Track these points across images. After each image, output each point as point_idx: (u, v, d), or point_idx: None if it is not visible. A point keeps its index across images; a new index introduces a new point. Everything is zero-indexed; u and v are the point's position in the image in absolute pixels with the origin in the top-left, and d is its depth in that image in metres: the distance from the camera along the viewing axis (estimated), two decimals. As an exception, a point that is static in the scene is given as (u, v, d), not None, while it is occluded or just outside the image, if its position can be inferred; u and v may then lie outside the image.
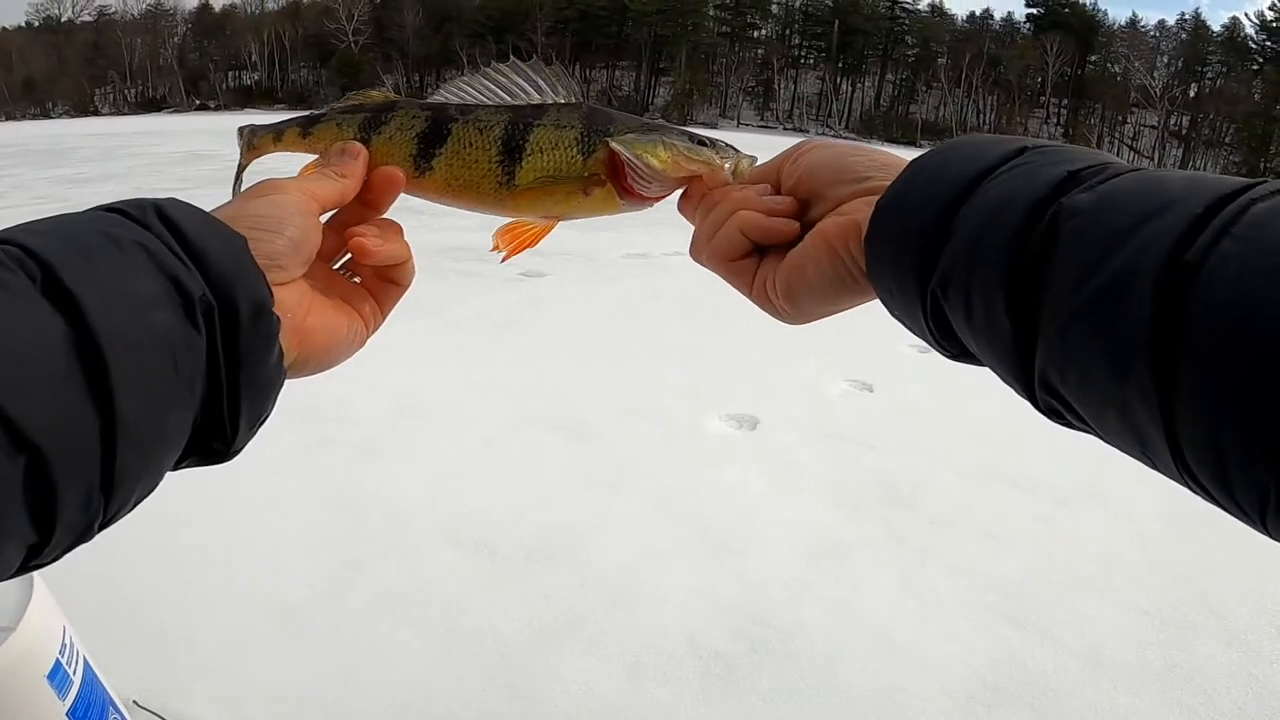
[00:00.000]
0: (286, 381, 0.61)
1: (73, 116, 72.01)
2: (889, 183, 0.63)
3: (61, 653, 1.68)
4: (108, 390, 0.44)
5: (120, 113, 78.28)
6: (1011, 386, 0.55)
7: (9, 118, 69.92)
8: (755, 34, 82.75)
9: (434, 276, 7.63)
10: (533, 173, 0.75)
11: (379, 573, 3.13)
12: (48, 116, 74.21)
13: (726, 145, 0.77)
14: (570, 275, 8.10)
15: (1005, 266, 0.50)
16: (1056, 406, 0.51)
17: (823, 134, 69.53)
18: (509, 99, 0.79)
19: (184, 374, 0.49)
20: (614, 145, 0.74)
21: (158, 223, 0.52)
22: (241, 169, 0.83)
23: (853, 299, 0.67)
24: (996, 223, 0.52)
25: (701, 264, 0.76)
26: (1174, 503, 3.69)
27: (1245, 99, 65.87)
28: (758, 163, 0.78)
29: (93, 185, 15.05)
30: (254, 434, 0.58)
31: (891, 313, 0.64)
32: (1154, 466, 0.47)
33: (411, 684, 2.59)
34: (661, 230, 10.18)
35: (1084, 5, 74.74)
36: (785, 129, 71.07)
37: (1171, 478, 0.46)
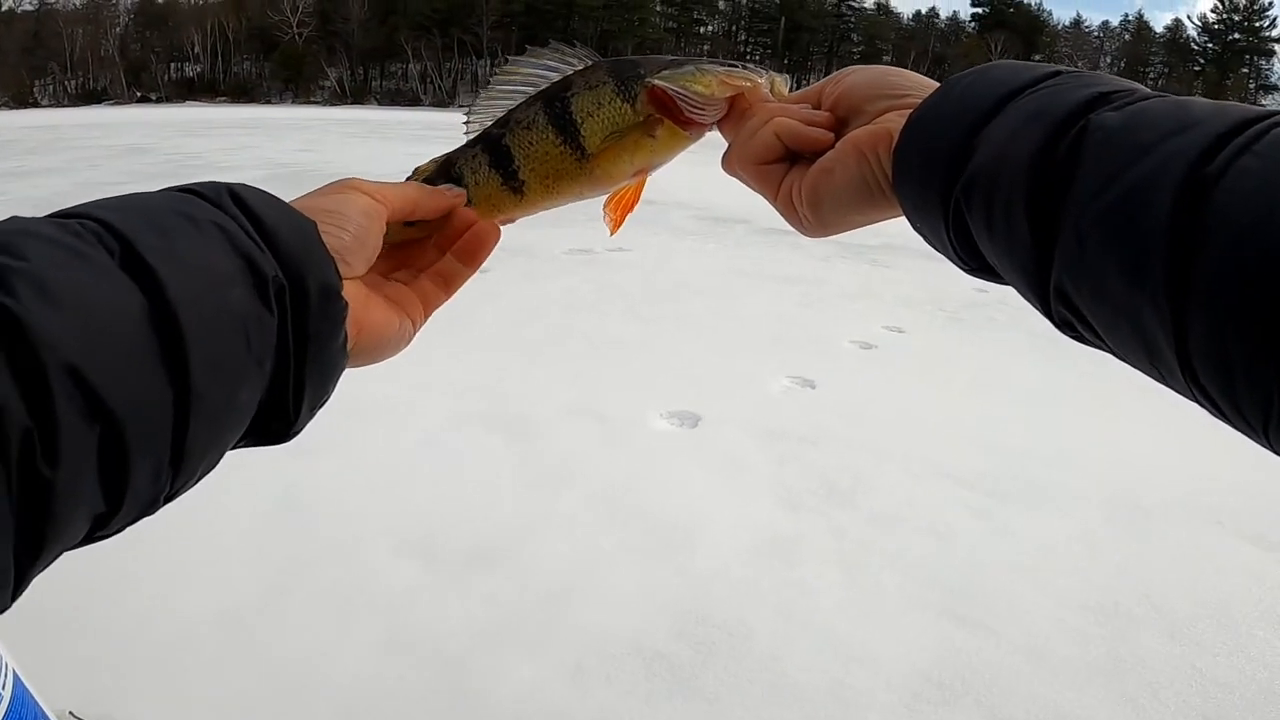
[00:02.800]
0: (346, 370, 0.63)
1: (11, 108, 70.65)
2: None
3: None
4: (184, 364, 0.45)
5: (60, 105, 77.05)
6: (1027, 298, 0.56)
7: (-53, 109, 68.54)
8: (702, 30, 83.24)
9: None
10: (597, 135, 0.77)
11: (320, 577, 3.08)
12: (-14, 108, 72.80)
13: (755, 66, 0.79)
14: (512, 272, 8.01)
15: (1028, 175, 0.51)
16: (1070, 318, 0.52)
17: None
18: (533, 91, 0.80)
19: (255, 351, 0.50)
20: (658, 83, 0.76)
21: (231, 205, 0.54)
22: None
23: (876, 212, 0.68)
24: (1023, 135, 0.53)
25: (732, 174, 0.77)
26: (1115, 499, 3.74)
27: (1185, 99, 67.19)
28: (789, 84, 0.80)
29: (33, 178, 14.78)
30: (313, 416, 0.60)
31: (914, 227, 0.66)
32: (1161, 379, 0.48)
33: (355, 689, 2.55)
34: (604, 227, 10.18)
35: (1028, 5, 76.04)
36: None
37: (1178, 390, 0.47)
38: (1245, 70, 79.39)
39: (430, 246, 0.77)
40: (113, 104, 75.01)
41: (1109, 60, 76.20)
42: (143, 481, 0.45)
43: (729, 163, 0.76)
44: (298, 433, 0.59)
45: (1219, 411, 0.44)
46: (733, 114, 0.77)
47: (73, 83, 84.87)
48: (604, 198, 0.83)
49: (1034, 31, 74.62)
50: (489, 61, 79.27)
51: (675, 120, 0.76)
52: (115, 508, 0.44)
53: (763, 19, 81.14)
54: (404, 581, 3.07)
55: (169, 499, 0.49)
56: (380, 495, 3.70)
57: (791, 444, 4.35)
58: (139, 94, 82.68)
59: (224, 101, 74.45)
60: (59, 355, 0.39)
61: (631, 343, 5.97)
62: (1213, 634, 2.92)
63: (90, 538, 0.46)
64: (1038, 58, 74.80)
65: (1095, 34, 79.51)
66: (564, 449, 4.24)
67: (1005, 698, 2.60)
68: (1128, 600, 3.08)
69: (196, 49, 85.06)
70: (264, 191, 0.58)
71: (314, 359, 0.55)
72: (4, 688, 1.63)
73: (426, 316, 0.76)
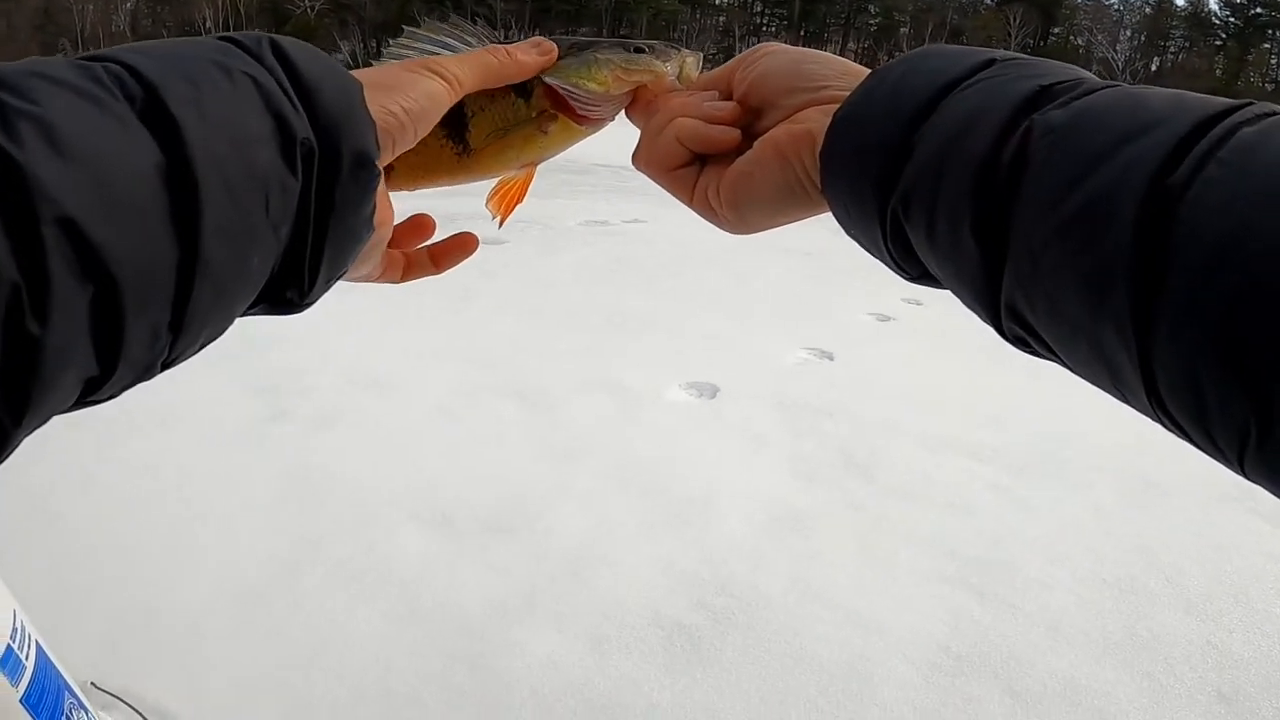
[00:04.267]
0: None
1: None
2: (846, 92, 0.60)
3: (12, 638, 1.63)
4: (195, 226, 0.43)
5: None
6: (975, 312, 0.53)
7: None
8: (717, 1, 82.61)
9: (392, 244, 7.53)
10: (483, 131, 0.72)
11: (336, 549, 3.09)
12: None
13: (667, 46, 0.74)
14: (528, 243, 8.04)
15: (972, 184, 0.48)
16: (1023, 335, 0.49)
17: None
18: None
19: (273, 217, 0.48)
20: (548, 80, 0.72)
21: (271, 56, 0.51)
22: None
23: (802, 211, 0.65)
24: (963, 137, 0.49)
25: (641, 171, 0.73)
26: (1131, 472, 3.73)
27: (1207, 74, 66.75)
28: (701, 63, 0.75)
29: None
30: (329, 287, 0.57)
31: (847, 231, 0.62)
32: (1124, 400, 0.45)
33: (372, 661, 2.56)
34: (620, 198, 10.16)
35: (1048, -24, 75.20)
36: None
37: (1143, 412, 0.43)
38: (1267, 45, 78.76)
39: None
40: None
41: (1129, 34, 75.64)
42: (139, 346, 0.43)
43: (636, 161, 0.73)
44: (312, 303, 0.57)
45: (1186, 436, 0.42)
46: (638, 103, 0.74)
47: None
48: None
49: (1053, 5, 73.93)
50: (503, 33, 78.84)
51: (570, 116, 0.73)
52: (109, 371, 0.42)
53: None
54: (420, 554, 3.08)
55: (168, 365, 0.47)
56: (395, 467, 3.70)
57: (809, 416, 4.35)
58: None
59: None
60: (58, 208, 0.37)
61: (648, 314, 5.97)
62: (1229, 609, 2.93)
63: (82, 401, 0.44)
64: (1057, 31, 74.35)
65: (1115, 7, 78.88)
66: (581, 420, 4.25)
67: (1022, 671, 2.60)
68: (1144, 575, 3.08)
69: (208, 23, 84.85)
70: (311, 47, 0.55)
71: (337, 225, 0.53)
72: (27, 658, 1.66)
73: (402, 280, 0.74)
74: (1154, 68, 72.26)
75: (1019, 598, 2.93)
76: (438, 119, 0.64)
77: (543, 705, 2.43)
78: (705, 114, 0.68)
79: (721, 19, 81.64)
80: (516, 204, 0.79)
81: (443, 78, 0.63)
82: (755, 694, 2.50)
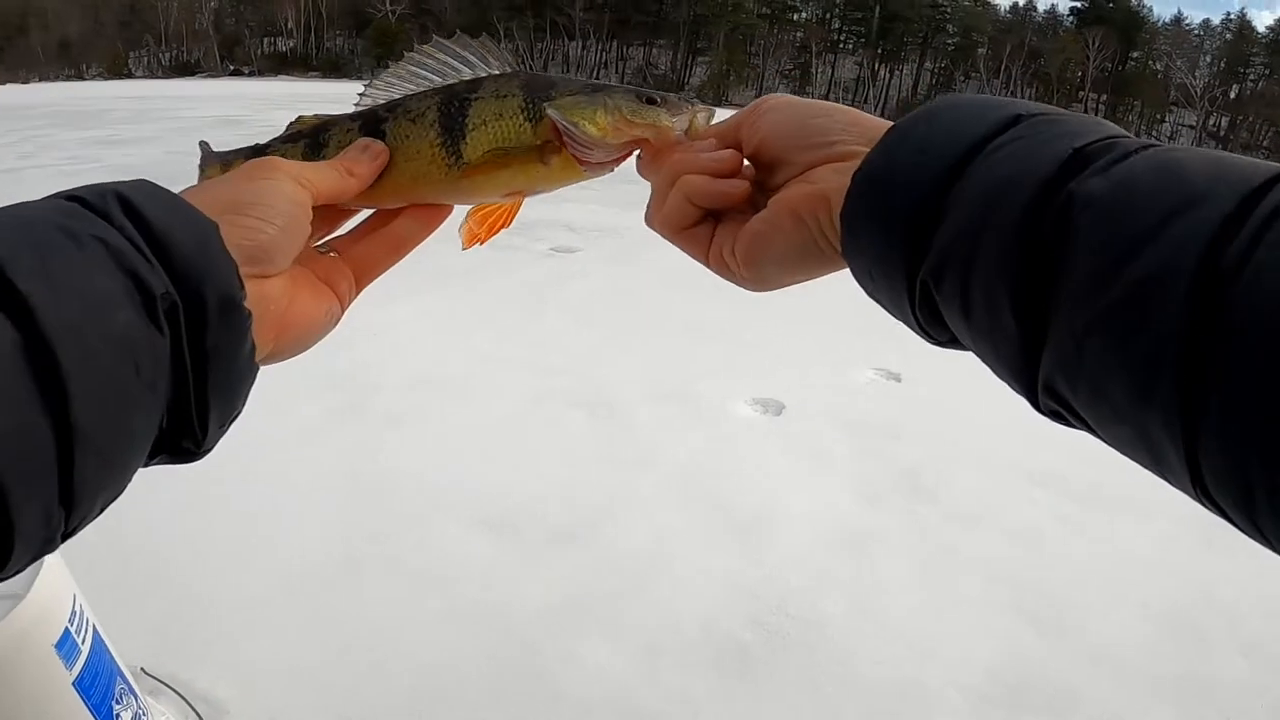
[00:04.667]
0: (320, 345, 0.60)
1: (106, 79, 72.06)
2: (858, 147, 0.59)
3: (71, 621, 1.68)
4: (63, 399, 0.41)
5: (154, 76, 78.37)
6: (1008, 383, 0.51)
7: (43, 79, 70.10)
8: (795, 17, 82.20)
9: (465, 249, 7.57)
10: (480, 147, 0.71)
11: (396, 548, 3.14)
12: (81, 78, 74.29)
13: (680, 100, 0.72)
14: (602, 251, 8.08)
15: (1011, 261, 0.46)
16: (1060, 410, 0.47)
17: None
18: (440, 81, 0.74)
19: (146, 377, 0.46)
20: (550, 112, 0.70)
21: (119, 213, 0.49)
22: None
23: (822, 270, 0.64)
24: (999, 209, 0.47)
25: (655, 232, 0.71)
26: (1196, 509, 3.63)
27: (1287, 102, 65.13)
28: (715, 116, 0.73)
29: (125, 147, 15.08)
30: (225, 432, 0.55)
31: (868, 293, 0.60)
32: (1164, 479, 0.43)
33: (425, 662, 2.60)
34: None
35: (1129, 0, 73.89)
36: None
37: (1185, 493, 0.42)
38: (1349, 74, 76.78)
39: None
40: (206, 77, 76.09)
41: (1209, 59, 74.07)
42: (32, 525, 0.41)
43: (649, 222, 0.71)
44: (210, 449, 0.54)
45: (1227, 519, 0.40)
46: (645, 159, 0.72)
47: (167, 55, 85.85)
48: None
49: (1133, 28, 72.65)
50: (581, 43, 79.11)
51: (574, 154, 0.71)
52: (6, 554, 0.41)
53: (857, 7, 79.81)
54: (479, 557, 3.11)
55: (69, 535, 0.45)
56: (461, 470, 3.74)
57: (874, 436, 4.34)
58: (232, 67, 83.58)
59: (316, 77, 75.20)
60: None
61: (718, 326, 5.93)
62: (1286, 655, 2.88)
63: None
64: (1135, 55, 72.97)
65: (1195, 32, 77.37)
66: (648, 430, 4.26)
67: (1072, 706, 2.58)
68: (1203, 615, 3.03)
69: (290, 24, 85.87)
70: (160, 190, 0.52)
71: (216, 376, 0.51)
72: (84, 642, 1.70)
73: (364, 287, 0.71)
74: (1233, 94, 70.67)
75: (1075, 630, 2.90)
76: (307, 227, 0.61)
77: (590, 715, 2.45)
78: (709, 168, 0.66)
79: (799, 34, 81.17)
80: (499, 230, 0.77)
81: (297, 181, 0.62)
82: (805, 715, 2.50)
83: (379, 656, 2.60)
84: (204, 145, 0.82)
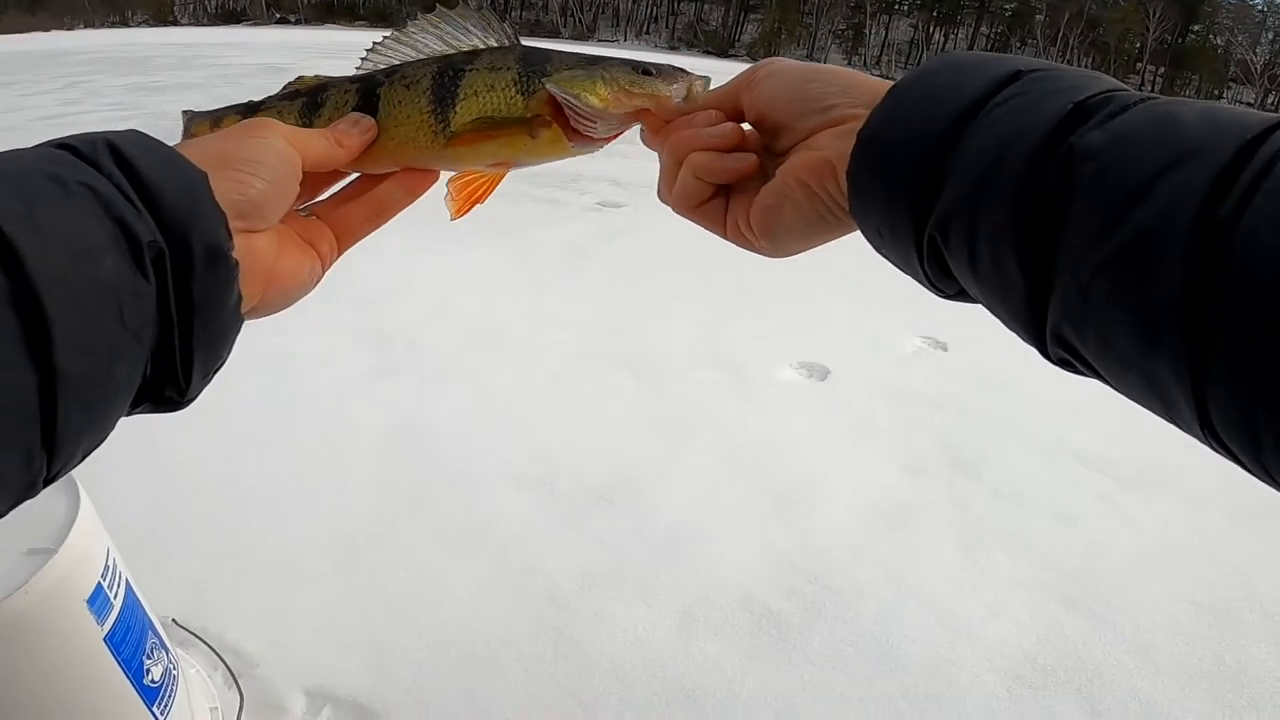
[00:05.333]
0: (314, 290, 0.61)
1: (151, 26, 72.22)
2: (857, 109, 0.60)
3: (103, 576, 1.67)
4: (47, 346, 0.42)
5: (199, 24, 78.47)
6: (1016, 333, 0.53)
7: (88, 25, 70.32)
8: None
9: (511, 202, 7.56)
10: (468, 115, 0.72)
11: (436, 506, 3.14)
12: (126, 25, 74.49)
13: (675, 70, 0.74)
14: (648, 207, 7.93)
15: (1015, 214, 0.47)
16: (1069, 359, 0.49)
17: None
18: (440, 51, 0.76)
19: (131, 324, 0.46)
20: (549, 86, 0.71)
21: (109, 161, 0.49)
22: None
23: (836, 233, 0.65)
24: (1002, 163, 0.48)
25: (671, 208, 0.73)
26: (1238, 494, 3.61)
27: (1348, 80, 63.83)
28: (711, 85, 0.73)
29: (169, 93, 15.11)
30: (209, 381, 0.55)
31: (877, 249, 0.62)
32: (1174, 424, 0.44)
33: (457, 622, 2.61)
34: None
35: (1192, -28, 72.32)
36: (874, 74, 70.11)
37: (1195, 438, 0.43)
38: None
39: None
40: (252, 24, 76.07)
41: (1271, 36, 72.43)
42: (13, 471, 0.42)
43: (664, 201, 0.73)
44: (193, 399, 0.55)
45: (1237, 462, 0.41)
46: (650, 130, 0.73)
47: (212, 2, 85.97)
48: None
49: (1195, 1, 71.12)
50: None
51: (564, 129, 0.72)
52: None
53: (914, -34, 78.82)
54: (520, 517, 3.11)
55: (50, 480, 0.46)
56: (503, 429, 3.75)
57: (919, 407, 4.30)
58: (278, 15, 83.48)
59: (363, 26, 75.06)
60: None
61: (766, 288, 5.88)
62: (1322, 648, 2.84)
63: None
64: (1196, 29, 71.49)
65: (1259, 7, 75.72)
66: (692, 394, 4.25)
67: (1106, 691, 2.56)
68: (1241, 604, 2.99)
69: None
70: (150, 140, 0.53)
71: (201, 326, 0.51)
72: (116, 597, 1.68)
73: (344, 250, 0.71)
74: (1293, 72, 69.26)
75: (1112, 614, 2.87)
76: (296, 187, 0.63)
77: (622, 680, 2.46)
78: (714, 144, 0.67)
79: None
80: (478, 202, 0.78)
81: (289, 142, 0.63)
82: (837, 688, 2.49)
83: (411, 614, 2.62)
84: (186, 110, 0.84)
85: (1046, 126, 0.48)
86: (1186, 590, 3.04)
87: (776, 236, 0.66)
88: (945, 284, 0.57)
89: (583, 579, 2.82)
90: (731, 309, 5.44)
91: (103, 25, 71.65)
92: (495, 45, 0.75)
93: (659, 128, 0.72)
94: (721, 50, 71.37)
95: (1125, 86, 0.50)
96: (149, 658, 1.81)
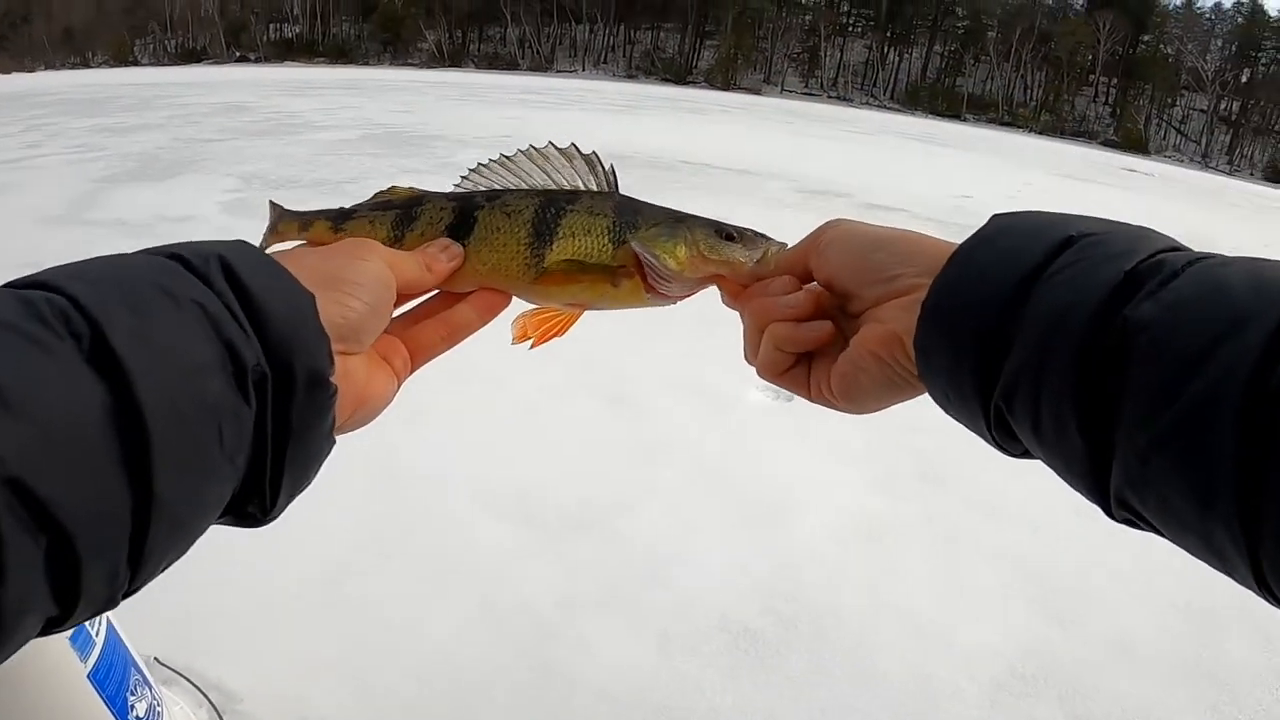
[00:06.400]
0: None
1: (112, 66, 71.84)
2: (920, 279, 0.63)
3: None
4: (147, 468, 0.42)
5: (160, 63, 78.10)
6: (1080, 493, 0.54)
7: (49, 67, 69.93)
8: (803, 0, 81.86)
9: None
10: (563, 255, 0.74)
11: (415, 540, 3.14)
12: (87, 66, 74.12)
13: (756, 235, 0.76)
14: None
15: (1074, 383, 0.49)
16: (1132, 519, 0.50)
17: (867, 104, 68.69)
18: (539, 183, 0.78)
19: (228, 447, 0.47)
20: (634, 244, 0.74)
21: (220, 278, 0.50)
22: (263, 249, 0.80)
23: (913, 393, 0.68)
24: (1059, 335, 0.50)
25: (756, 374, 0.75)
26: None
27: (1298, 86, 64.87)
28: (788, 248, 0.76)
29: (131, 135, 14.94)
30: (292, 500, 0.55)
31: (947, 412, 0.64)
32: (1230, 577, 0.46)
33: (441, 654, 2.60)
34: (707, 197, 10.15)
35: (1139, -16, 73.38)
36: (830, 97, 70.16)
37: (1250, 590, 0.45)
38: (1361, 58, 76.33)
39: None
40: (212, 63, 75.73)
41: (1220, 43, 73.57)
42: (97, 586, 0.41)
43: (751, 363, 0.75)
44: (275, 517, 0.55)
45: None
46: (727, 293, 0.77)
47: (172, 42, 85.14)
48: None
49: (1143, 11, 72.12)
50: (588, 27, 78.72)
51: (644, 280, 0.74)
52: (69, 611, 0.41)
53: (866, -11, 79.68)
54: (499, 548, 3.11)
55: (129, 594, 0.45)
56: (480, 461, 3.74)
57: (887, 421, 4.25)
58: (238, 54, 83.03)
59: (322, 62, 74.80)
60: (5, 469, 0.36)
61: (732, 316, 5.88)
62: (1299, 643, 2.87)
63: (45, 632, 0.42)
64: (1146, 39, 72.50)
65: (1207, 15, 76.90)
66: (663, 420, 4.26)
67: (1087, 695, 2.59)
68: (1219, 604, 3.02)
69: (296, 10, 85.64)
70: (260, 255, 0.53)
71: (295, 449, 0.52)
72: (98, 635, 1.69)
73: (417, 368, 0.73)
74: (1244, 79, 70.21)
75: (1091, 619, 2.90)
76: (391, 310, 0.65)
77: (607, 705, 2.45)
78: (790, 314, 0.70)
79: (808, 18, 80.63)
80: (551, 338, 0.79)
81: (390, 265, 0.65)
82: (817, 705, 2.50)
83: (395, 647, 2.61)
84: (275, 205, 0.84)
85: (1099, 297, 0.50)
86: (1165, 592, 3.08)
87: (857, 400, 0.69)
88: (1012, 445, 0.59)
89: (563, 606, 2.82)
90: (696, 336, 5.45)
91: (63, 66, 71.17)
92: (595, 189, 0.77)
93: (736, 292, 0.75)
94: (679, 78, 71.38)
95: (1174, 243, 0.53)
96: (133, 694, 1.82)
